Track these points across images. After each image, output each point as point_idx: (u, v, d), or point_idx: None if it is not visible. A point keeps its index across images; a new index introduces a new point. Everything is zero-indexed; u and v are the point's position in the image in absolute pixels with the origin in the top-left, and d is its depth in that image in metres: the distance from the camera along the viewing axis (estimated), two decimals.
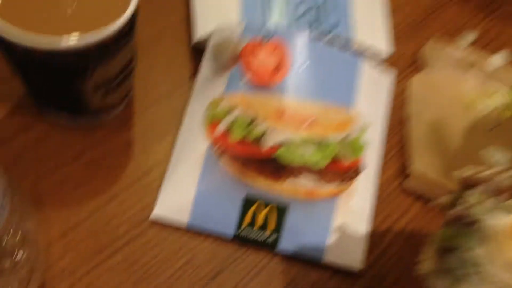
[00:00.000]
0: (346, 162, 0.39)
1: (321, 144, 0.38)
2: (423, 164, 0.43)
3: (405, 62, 0.50)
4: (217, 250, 0.37)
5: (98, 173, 0.39)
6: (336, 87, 0.41)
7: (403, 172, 0.43)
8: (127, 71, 0.37)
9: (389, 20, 0.50)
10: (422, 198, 0.42)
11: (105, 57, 0.34)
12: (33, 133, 0.40)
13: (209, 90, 0.40)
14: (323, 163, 0.38)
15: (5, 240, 0.31)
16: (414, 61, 0.50)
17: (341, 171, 0.39)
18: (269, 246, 0.37)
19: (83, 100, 0.37)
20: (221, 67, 0.41)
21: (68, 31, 0.31)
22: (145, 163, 0.40)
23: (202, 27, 0.43)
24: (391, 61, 0.49)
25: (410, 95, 0.47)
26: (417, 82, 0.49)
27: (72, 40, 0.31)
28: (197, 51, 0.45)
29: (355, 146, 0.40)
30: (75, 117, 0.40)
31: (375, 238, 0.40)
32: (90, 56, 0.33)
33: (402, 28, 0.52)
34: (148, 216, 0.38)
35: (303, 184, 0.38)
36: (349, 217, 0.39)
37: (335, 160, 0.39)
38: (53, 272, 0.35)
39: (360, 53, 0.45)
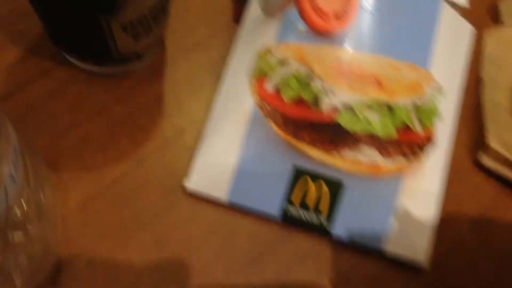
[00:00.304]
0: (418, 131, 0.33)
1: (390, 109, 0.32)
2: (502, 138, 0.36)
3: (480, 14, 0.42)
4: (259, 230, 0.32)
5: (124, 132, 0.33)
6: (410, 39, 0.33)
7: (479, 145, 0.37)
8: (161, 9, 0.31)
9: None
10: (501, 179, 0.36)
11: None
12: (50, 82, 0.34)
13: (257, 37, 0.34)
14: (392, 131, 0.32)
15: (17, 211, 0.26)
16: (490, 14, 0.43)
17: (412, 142, 0.33)
18: (319, 230, 0.32)
19: (109, 41, 0.31)
20: (273, 9, 0.34)
21: None
22: (178, 122, 0.34)
23: None
24: (464, 13, 0.41)
25: (483, 54, 0.40)
26: (490, 40, 0.41)
27: None
28: None
29: (429, 112, 0.33)
30: (100, 64, 0.34)
31: (444, 226, 0.34)
32: None
33: None
34: (181, 186, 0.32)
35: (366, 156, 0.32)
36: (416, 199, 0.32)
37: (405, 129, 0.32)
38: (70, 249, 0.30)
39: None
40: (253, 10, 0.34)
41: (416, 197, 0.32)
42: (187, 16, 0.38)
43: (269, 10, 0.34)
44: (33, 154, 0.27)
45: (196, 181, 0.32)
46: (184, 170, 0.32)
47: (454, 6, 0.38)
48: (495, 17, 0.42)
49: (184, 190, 0.32)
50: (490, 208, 0.34)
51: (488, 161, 0.35)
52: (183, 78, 0.35)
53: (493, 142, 0.35)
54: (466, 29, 0.38)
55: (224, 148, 0.32)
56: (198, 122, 0.34)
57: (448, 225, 0.33)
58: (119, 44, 0.31)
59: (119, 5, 0.28)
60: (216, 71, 0.36)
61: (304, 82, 0.32)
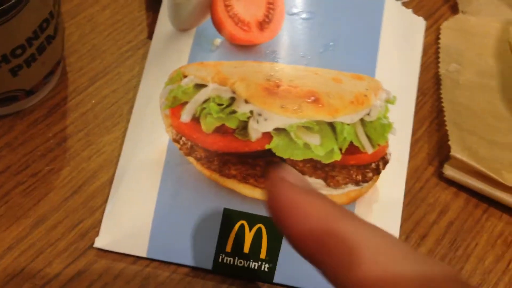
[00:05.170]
0: (368, 151, 0.28)
1: (331, 129, 0.27)
2: (465, 144, 0.31)
3: (434, 2, 0.38)
4: (192, 286, 0.27)
5: (17, 187, 0.27)
6: (353, 44, 0.29)
7: (439, 154, 0.32)
8: (43, 36, 0.25)
9: None
10: (466, 190, 0.31)
11: None
12: None
13: (168, 57, 0.28)
14: (336, 155, 0.27)
15: None
16: (445, 1, 0.38)
17: (361, 165, 0.28)
18: (262, 278, 0.27)
19: None
20: (185, 22, 0.28)
21: None
22: (85, 168, 0.28)
23: None
24: (418, 4, 0.37)
25: (441, 48, 0.36)
26: (446, 31, 0.36)
27: None
28: None
29: (379, 128, 0.28)
30: None
31: None
32: None
33: None
34: (92, 245, 0.27)
35: None
36: None
37: (352, 150, 0.27)
38: None
39: None
40: (163, 25, 0.29)
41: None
42: (94, 37, 0.32)
43: (180, 23, 0.28)
44: None
45: (105, 243, 0.26)
46: (96, 226, 0.27)
47: None
48: (453, 7, 0.38)
49: (97, 253, 0.26)
50: (459, 223, 0.30)
51: (453, 173, 0.31)
52: (89, 112, 0.30)
53: (456, 151, 0.31)
54: (416, 23, 0.33)
55: (137, 196, 0.26)
56: (110, 165, 0.28)
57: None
58: None
59: None
60: (129, 101, 0.30)
61: (227, 106, 0.26)
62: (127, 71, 0.31)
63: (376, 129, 0.28)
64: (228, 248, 0.26)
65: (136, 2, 0.34)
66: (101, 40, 0.32)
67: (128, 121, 0.30)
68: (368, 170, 0.28)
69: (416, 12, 0.36)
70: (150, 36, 0.33)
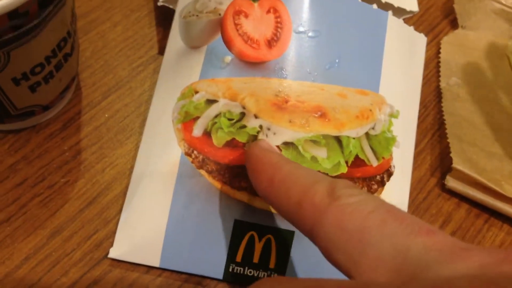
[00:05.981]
0: (373, 164, 0.29)
1: (338, 142, 0.28)
2: (466, 156, 0.32)
3: (435, 17, 0.39)
4: None
5: (34, 199, 0.28)
6: (357, 61, 0.30)
7: (441, 166, 0.33)
8: (61, 54, 0.27)
9: None
10: (467, 201, 0.32)
11: (21, 36, 0.23)
12: None
13: (180, 73, 0.29)
14: (342, 168, 0.28)
15: None
16: (445, 16, 0.39)
17: (367, 177, 0.29)
18: None
19: (3, 98, 0.26)
20: (196, 40, 0.30)
21: None
22: (99, 180, 0.29)
23: None
24: (419, 20, 0.38)
25: (441, 62, 0.37)
26: (447, 46, 0.38)
27: None
28: (167, 13, 0.33)
29: (384, 141, 0.29)
30: None
31: None
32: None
33: None
34: (107, 255, 0.27)
35: None
36: None
37: (357, 163, 0.28)
38: None
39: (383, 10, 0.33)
40: (174, 42, 0.30)
41: None
42: (106, 53, 0.33)
43: (191, 41, 0.29)
44: None
45: (119, 253, 0.27)
46: (111, 236, 0.28)
47: (405, 13, 0.34)
48: (452, 22, 0.39)
49: (112, 262, 0.27)
50: (460, 233, 0.31)
51: (455, 184, 0.32)
52: (104, 125, 0.31)
53: (457, 163, 0.32)
54: (418, 40, 0.34)
55: (151, 208, 0.27)
56: (124, 176, 0.29)
57: None
58: (16, 98, 0.26)
59: (3, 58, 0.23)
60: (141, 114, 0.31)
61: (237, 121, 0.27)
62: (138, 86, 0.32)
63: (381, 142, 0.29)
64: (238, 258, 0.27)
65: (146, 19, 0.35)
66: (113, 55, 0.33)
67: (140, 134, 0.31)
68: (373, 182, 0.29)
69: (417, 27, 0.37)
70: (160, 51, 0.34)
